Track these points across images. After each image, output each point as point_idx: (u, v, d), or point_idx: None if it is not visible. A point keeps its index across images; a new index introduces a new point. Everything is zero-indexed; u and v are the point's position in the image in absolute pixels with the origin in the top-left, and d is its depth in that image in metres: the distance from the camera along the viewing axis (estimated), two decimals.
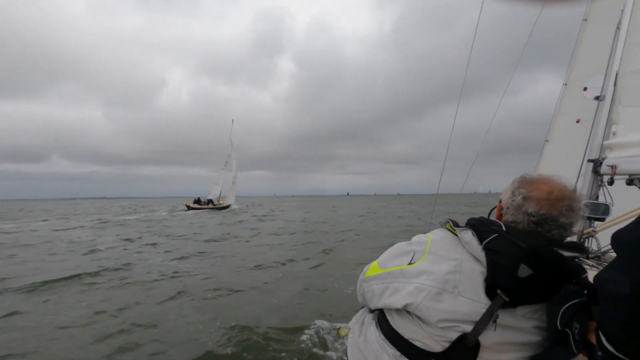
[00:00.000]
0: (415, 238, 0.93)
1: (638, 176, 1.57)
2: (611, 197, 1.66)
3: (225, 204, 39.37)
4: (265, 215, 24.96)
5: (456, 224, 0.86)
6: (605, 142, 1.77)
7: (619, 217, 1.59)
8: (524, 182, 0.85)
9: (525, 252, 0.72)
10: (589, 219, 1.60)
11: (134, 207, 51.86)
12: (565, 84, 2.65)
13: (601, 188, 1.73)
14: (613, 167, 1.60)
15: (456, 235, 0.84)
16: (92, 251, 9.44)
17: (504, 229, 0.78)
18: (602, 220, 1.56)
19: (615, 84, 1.86)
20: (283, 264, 7.47)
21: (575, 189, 0.81)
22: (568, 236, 0.80)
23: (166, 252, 9.25)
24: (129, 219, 22.73)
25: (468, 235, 0.80)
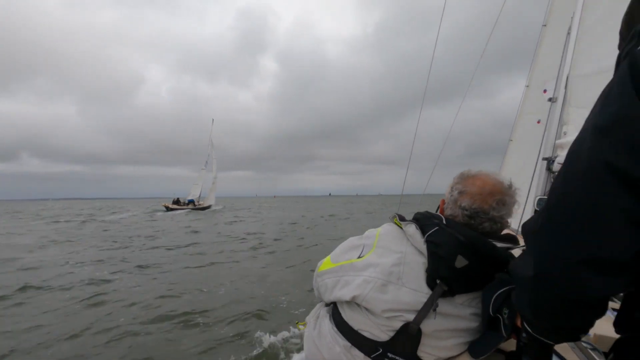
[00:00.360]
0: (367, 232, 0.98)
1: None
2: None
3: (205, 205, 38.74)
4: (237, 217, 24.11)
5: (402, 219, 0.91)
6: (557, 141, 1.90)
7: None
8: (462, 178, 0.92)
9: (462, 243, 0.77)
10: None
11: (110, 208, 49.63)
12: (527, 86, 2.82)
13: None
14: None
15: (402, 228, 0.89)
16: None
17: (444, 222, 0.83)
18: None
19: (566, 87, 2.00)
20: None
21: (510, 185, 0.88)
22: (500, 228, 0.86)
23: (97, 262, 7.91)
24: (90, 220, 21.70)
25: (412, 229, 0.85)
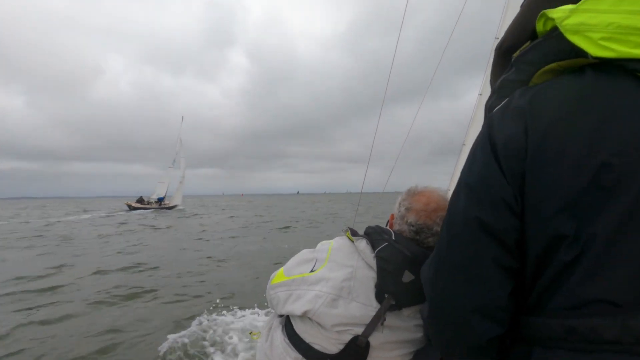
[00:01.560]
0: (319, 245, 1.02)
1: None
2: None
3: (171, 204, 37.58)
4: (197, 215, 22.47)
5: (354, 233, 0.96)
6: None
7: None
8: (409, 195, 0.98)
9: (409, 259, 0.83)
10: None
11: (58, 208, 45.96)
12: (481, 94, 3.05)
13: None
14: None
15: (354, 243, 0.94)
16: None
17: (393, 237, 0.89)
18: None
19: None
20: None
21: None
22: None
23: None
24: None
25: (362, 244, 0.91)
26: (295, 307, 0.90)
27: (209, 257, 8.74)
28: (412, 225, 0.92)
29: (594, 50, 0.47)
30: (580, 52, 0.49)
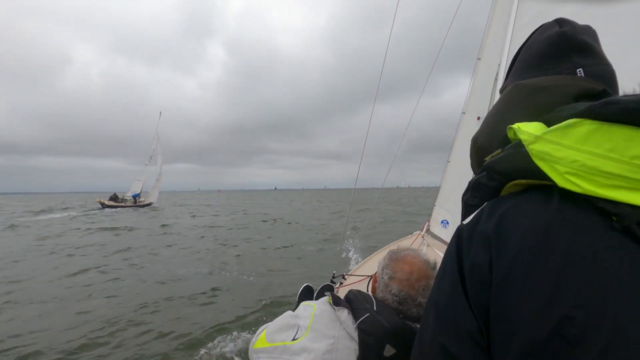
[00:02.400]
0: (302, 308, 1.04)
1: None
2: None
3: (146, 202, 36.76)
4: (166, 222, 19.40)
5: (336, 301, 0.98)
6: None
7: None
8: (392, 260, 1.02)
9: (389, 332, 0.86)
10: None
11: (27, 205, 43.78)
12: (464, 113, 3.22)
13: None
14: None
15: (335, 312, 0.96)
16: None
17: (374, 308, 0.92)
18: None
19: None
20: None
21: (433, 266, 1.01)
22: None
23: None
24: None
25: (344, 315, 0.93)
26: None
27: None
28: (396, 296, 0.96)
29: (560, 182, 0.47)
30: (547, 177, 0.49)
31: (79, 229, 16.21)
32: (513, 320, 0.45)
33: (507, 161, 0.54)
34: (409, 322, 0.91)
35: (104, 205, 33.00)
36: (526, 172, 0.51)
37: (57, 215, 25.20)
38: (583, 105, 0.49)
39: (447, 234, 3.18)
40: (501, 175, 0.55)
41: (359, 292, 1.01)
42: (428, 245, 3.14)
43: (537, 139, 0.49)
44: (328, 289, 2.35)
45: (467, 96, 3.19)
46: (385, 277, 1.00)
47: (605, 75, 0.61)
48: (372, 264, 2.96)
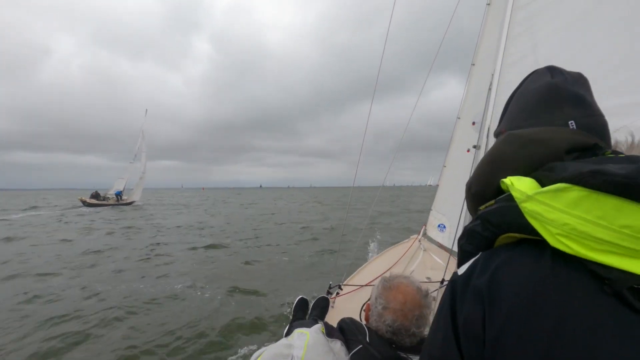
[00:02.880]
0: (296, 336, 1.06)
1: None
2: None
3: (129, 200, 36.33)
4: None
5: (330, 332, 1.02)
6: None
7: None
8: (385, 289, 1.06)
9: None
10: None
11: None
12: (459, 118, 3.33)
13: None
14: None
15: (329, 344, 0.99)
16: None
17: (367, 339, 0.96)
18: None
19: (487, 137, 2.48)
20: None
21: (425, 294, 1.05)
22: (419, 341, 1.02)
23: None
24: None
25: (337, 346, 0.97)
26: None
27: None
28: (390, 326, 0.99)
29: (552, 242, 0.48)
30: (539, 234, 0.50)
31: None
32: None
33: (501, 214, 0.55)
34: (401, 353, 0.94)
35: (85, 204, 32.35)
36: (519, 227, 0.53)
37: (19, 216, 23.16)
38: (573, 167, 0.50)
39: (444, 238, 3.31)
40: (495, 227, 0.56)
41: (352, 321, 1.04)
42: (425, 250, 3.26)
43: (529, 198, 0.51)
44: (323, 301, 2.41)
45: (462, 101, 3.30)
46: (379, 307, 1.02)
47: (597, 127, 0.62)
48: (368, 273, 3.07)
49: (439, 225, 3.41)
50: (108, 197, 35.46)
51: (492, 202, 0.59)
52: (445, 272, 2.78)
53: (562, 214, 0.48)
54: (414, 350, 0.98)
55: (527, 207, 0.51)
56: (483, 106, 2.97)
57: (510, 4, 2.50)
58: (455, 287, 0.56)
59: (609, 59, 1.75)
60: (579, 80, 0.67)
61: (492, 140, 2.44)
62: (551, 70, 0.70)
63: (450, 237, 3.05)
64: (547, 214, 0.49)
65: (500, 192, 0.59)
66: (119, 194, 36.06)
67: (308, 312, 2.28)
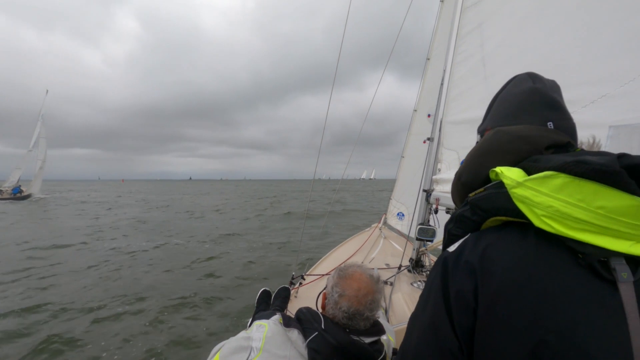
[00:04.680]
0: (254, 328, 1.15)
1: (452, 210, 2.53)
2: (438, 222, 2.61)
3: (25, 193, 32.99)
4: None
5: (287, 322, 1.13)
6: (434, 177, 2.74)
7: (442, 240, 2.52)
8: (340, 278, 1.20)
9: (336, 348, 1.03)
10: (421, 240, 2.51)
11: None
12: (415, 110, 3.71)
13: (431, 214, 2.69)
14: (437, 199, 2.55)
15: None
16: None
17: (322, 326, 1.08)
18: (431, 241, 2.49)
19: (440, 130, 2.84)
20: None
21: (377, 279, 1.21)
22: (373, 324, 1.17)
23: None
24: None
25: (294, 335, 1.07)
26: None
27: None
28: (346, 312, 1.12)
29: (536, 223, 0.58)
30: (525, 217, 0.59)
31: None
32: (498, 343, 0.55)
33: (490, 200, 0.65)
34: (355, 337, 1.10)
35: None
36: (507, 211, 0.63)
37: None
38: (557, 159, 0.61)
39: (403, 226, 3.71)
40: (484, 211, 0.67)
41: (308, 310, 1.17)
42: (385, 237, 3.62)
43: (518, 184, 0.61)
44: (284, 291, 2.63)
45: (419, 94, 3.68)
46: (336, 295, 1.16)
47: (569, 128, 0.75)
48: (330, 262, 3.36)
49: (398, 214, 3.80)
50: (1, 190, 31.86)
51: (482, 189, 0.69)
52: (402, 258, 3.13)
53: (547, 198, 0.57)
54: (367, 333, 1.14)
55: (516, 192, 0.61)
56: (437, 101, 3.35)
57: (460, 4, 2.84)
58: (447, 263, 0.65)
59: (551, 57, 1.92)
60: (554, 87, 0.81)
61: (445, 133, 2.78)
62: (532, 77, 0.82)
63: (408, 225, 3.44)
64: (534, 198, 0.58)
65: (487, 181, 0.70)
66: (16, 192, 32.37)
67: (271, 303, 2.44)
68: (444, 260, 0.67)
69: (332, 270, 2.97)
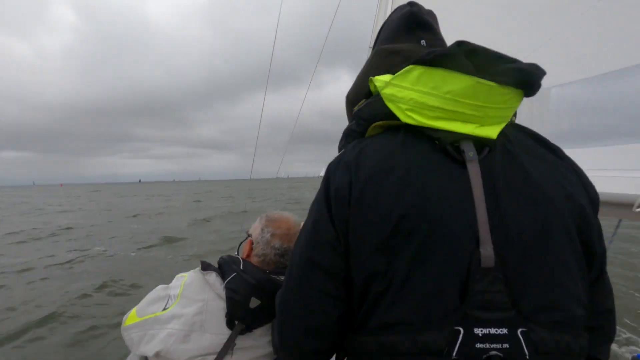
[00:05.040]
0: (174, 280, 1.14)
1: None
2: None
3: None
4: None
5: (206, 267, 1.11)
6: None
7: None
8: (270, 221, 1.22)
9: (255, 286, 1.02)
10: None
11: None
12: None
13: None
14: None
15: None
16: None
17: (241, 267, 1.07)
18: None
19: None
20: None
21: (302, 222, 1.24)
22: None
23: None
24: None
25: (212, 278, 1.06)
26: (148, 348, 0.99)
27: None
28: (278, 249, 1.17)
29: (402, 117, 0.65)
30: (395, 116, 0.66)
31: None
32: (367, 225, 0.62)
33: (369, 107, 0.73)
34: (274, 276, 1.10)
35: None
36: (383, 115, 0.69)
37: None
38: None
39: None
40: (364, 120, 0.73)
41: (228, 256, 1.16)
42: None
43: (386, 84, 0.67)
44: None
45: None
46: (267, 235, 1.19)
47: (440, 47, 0.82)
48: None
49: None
50: None
51: (363, 101, 0.76)
52: None
53: (408, 91, 0.64)
54: None
55: (386, 92, 0.67)
56: None
57: None
58: (329, 168, 0.72)
59: (471, 33, 2.16)
60: (430, 13, 0.90)
61: None
62: (410, 3, 0.90)
63: None
64: (398, 93, 0.65)
65: (370, 96, 0.76)
66: None
67: None
68: (328, 166, 0.74)
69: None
